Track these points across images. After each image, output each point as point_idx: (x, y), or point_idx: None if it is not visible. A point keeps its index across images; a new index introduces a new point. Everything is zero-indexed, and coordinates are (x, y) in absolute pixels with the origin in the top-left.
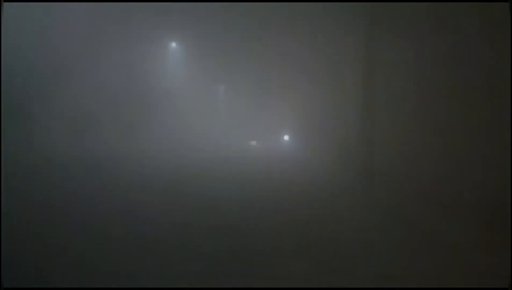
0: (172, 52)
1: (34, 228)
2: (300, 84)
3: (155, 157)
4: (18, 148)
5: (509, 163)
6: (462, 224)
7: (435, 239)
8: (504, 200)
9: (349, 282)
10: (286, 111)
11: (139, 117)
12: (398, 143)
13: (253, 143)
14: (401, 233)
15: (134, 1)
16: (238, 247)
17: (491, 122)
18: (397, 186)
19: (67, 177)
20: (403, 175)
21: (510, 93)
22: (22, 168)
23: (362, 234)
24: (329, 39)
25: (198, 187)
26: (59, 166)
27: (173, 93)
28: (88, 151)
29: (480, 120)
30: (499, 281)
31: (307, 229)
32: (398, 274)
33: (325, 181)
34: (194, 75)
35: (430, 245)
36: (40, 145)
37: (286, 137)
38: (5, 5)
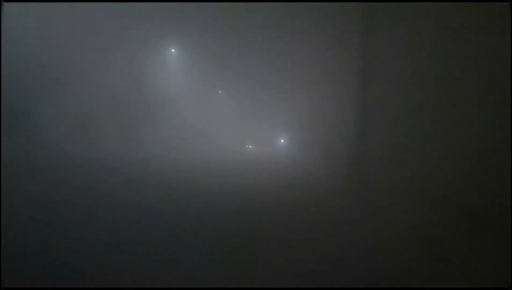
0: (173, 55)
1: (34, 228)
2: (298, 86)
3: (155, 159)
4: (18, 149)
5: (509, 163)
6: (461, 225)
7: (433, 241)
8: (504, 201)
9: (346, 283)
10: (284, 113)
11: (139, 118)
12: (395, 144)
13: (250, 146)
14: (398, 236)
15: (134, 1)
16: (238, 248)
17: (491, 123)
18: (394, 188)
19: (67, 178)
20: (401, 177)
21: (510, 93)
22: (22, 169)
23: (358, 236)
24: (327, 41)
25: (198, 187)
26: (59, 167)
27: (174, 95)
28: (89, 152)
29: (479, 120)
30: (499, 281)
31: (304, 231)
32: (395, 276)
33: (322, 183)
34: (194, 78)
35: (428, 246)
36: (41, 146)
37: (282, 140)
38: (5, 5)
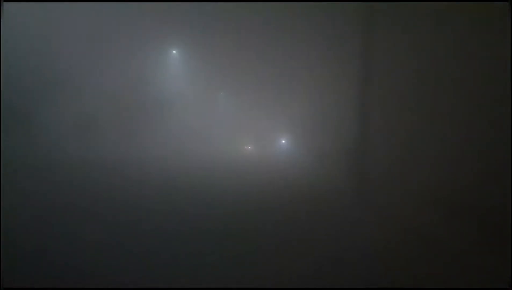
0: (173, 56)
1: (34, 228)
2: (298, 86)
3: (156, 161)
4: (19, 150)
5: (509, 163)
6: (461, 225)
7: (433, 241)
8: (504, 201)
9: (346, 283)
10: (284, 113)
11: (139, 119)
12: (396, 144)
13: (250, 147)
14: (398, 236)
15: (134, 2)
16: (238, 248)
17: (491, 123)
18: (394, 188)
19: (68, 179)
20: (402, 176)
21: (510, 93)
22: (23, 170)
23: (359, 235)
24: (327, 40)
25: (198, 187)
26: (60, 168)
27: (174, 96)
28: (90, 154)
29: (479, 120)
30: (499, 281)
31: (304, 231)
32: (395, 276)
33: (322, 183)
34: (193, 78)
35: (428, 246)
36: (41, 148)
37: (282, 140)
38: (5, 5)
